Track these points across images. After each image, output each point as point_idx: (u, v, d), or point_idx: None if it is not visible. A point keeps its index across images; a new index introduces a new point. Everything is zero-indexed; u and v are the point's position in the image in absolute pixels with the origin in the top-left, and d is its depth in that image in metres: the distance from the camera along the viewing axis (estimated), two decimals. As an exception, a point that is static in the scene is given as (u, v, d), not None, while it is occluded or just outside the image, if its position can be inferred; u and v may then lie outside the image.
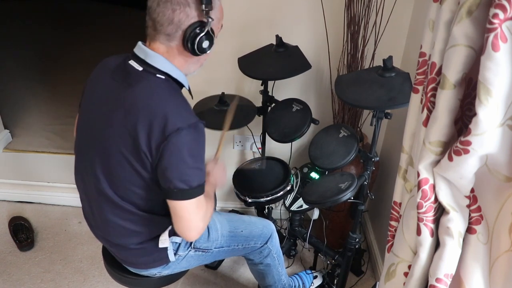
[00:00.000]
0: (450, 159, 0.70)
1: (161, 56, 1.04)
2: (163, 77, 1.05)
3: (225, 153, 2.10)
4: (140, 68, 1.05)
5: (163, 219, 1.16)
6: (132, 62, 1.06)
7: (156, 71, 1.05)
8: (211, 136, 1.49)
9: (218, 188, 1.30)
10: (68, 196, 2.30)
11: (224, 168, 1.33)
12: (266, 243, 1.43)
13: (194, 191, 1.04)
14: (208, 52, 1.07)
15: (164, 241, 1.18)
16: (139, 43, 1.07)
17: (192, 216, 1.06)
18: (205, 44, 1.03)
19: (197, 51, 1.03)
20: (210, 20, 1.00)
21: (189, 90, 1.18)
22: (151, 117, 0.99)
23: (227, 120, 1.44)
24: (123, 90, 1.04)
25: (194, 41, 1.01)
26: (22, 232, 2.08)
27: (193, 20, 1.00)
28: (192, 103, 1.63)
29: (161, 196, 1.06)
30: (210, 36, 1.03)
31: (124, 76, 1.06)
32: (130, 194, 1.10)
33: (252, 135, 1.91)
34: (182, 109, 1.03)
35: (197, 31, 1.00)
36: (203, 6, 0.98)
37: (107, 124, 1.05)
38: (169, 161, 1.00)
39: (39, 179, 2.33)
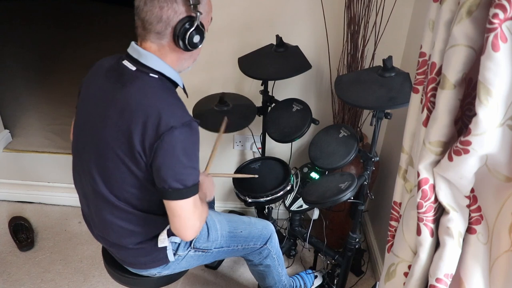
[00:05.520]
0: (450, 159, 0.70)
1: (154, 55, 1.04)
2: (156, 76, 1.05)
3: (225, 153, 2.10)
4: (134, 68, 1.05)
5: (161, 219, 1.16)
6: (126, 62, 1.06)
7: (149, 71, 1.05)
8: (210, 136, 1.50)
9: (207, 200, 1.29)
10: (68, 196, 2.30)
11: (213, 182, 1.34)
12: (265, 244, 1.43)
13: (189, 190, 1.03)
14: (200, 46, 1.07)
15: (163, 240, 1.18)
16: (133, 43, 1.07)
17: (189, 215, 1.06)
18: (196, 39, 1.03)
19: (188, 46, 1.03)
20: (198, 14, 1.00)
21: (184, 89, 1.18)
22: (145, 117, 0.99)
23: (217, 140, 1.49)
24: (117, 91, 1.04)
25: (185, 37, 1.01)
26: (22, 232, 2.08)
27: (182, 15, 1.00)
28: (191, 102, 1.64)
29: (156, 196, 1.06)
30: (200, 31, 1.03)
31: (117, 77, 1.06)
32: (125, 194, 1.10)
33: (252, 135, 1.91)
34: (176, 108, 1.03)
35: (187, 26, 1.00)
36: (191, 0, 0.98)
37: (101, 124, 1.05)
38: (163, 160, 1.00)
39: (39, 179, 2.33)
